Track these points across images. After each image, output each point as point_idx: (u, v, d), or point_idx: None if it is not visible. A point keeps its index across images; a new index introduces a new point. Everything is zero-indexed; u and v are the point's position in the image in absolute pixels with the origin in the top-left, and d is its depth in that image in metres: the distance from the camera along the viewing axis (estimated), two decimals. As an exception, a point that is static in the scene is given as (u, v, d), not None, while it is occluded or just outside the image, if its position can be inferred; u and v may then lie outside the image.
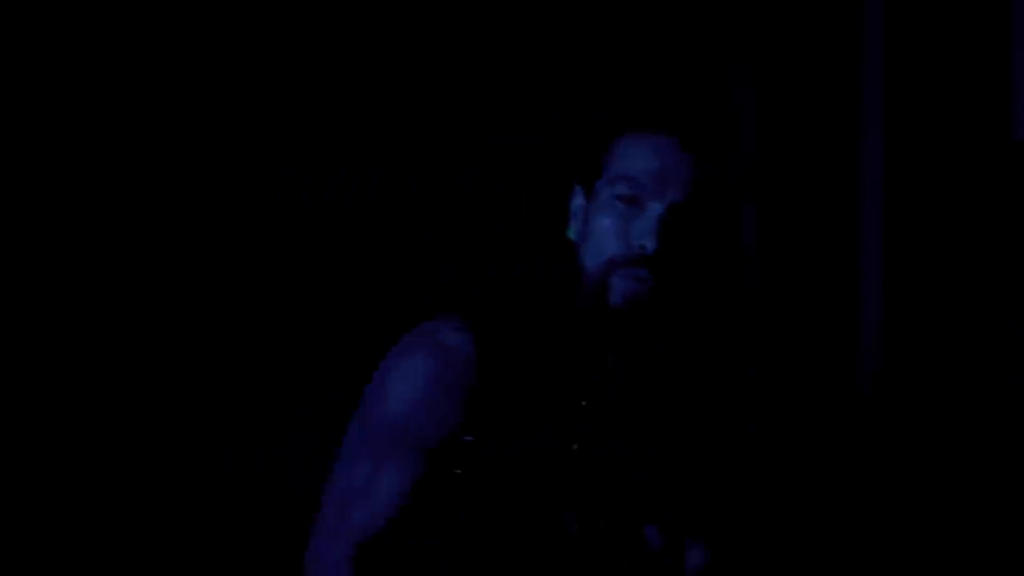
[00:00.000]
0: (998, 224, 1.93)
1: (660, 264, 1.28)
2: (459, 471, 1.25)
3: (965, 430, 1.93)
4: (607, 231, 1.30)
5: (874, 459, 1.95)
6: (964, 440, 1.93)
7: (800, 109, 1.98)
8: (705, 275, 1.36)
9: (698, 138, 1.32)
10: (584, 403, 1.30)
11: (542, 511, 1.26)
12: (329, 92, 1.93)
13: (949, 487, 1.93)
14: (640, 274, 1.28)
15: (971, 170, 1.93)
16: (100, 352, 1.89)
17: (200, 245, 1.93)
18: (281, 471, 1.86)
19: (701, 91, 1.98)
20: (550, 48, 1.98)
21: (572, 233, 1.37)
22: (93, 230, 1.89)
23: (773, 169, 2.02)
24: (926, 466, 1.94)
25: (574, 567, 1.26)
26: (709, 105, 2.00)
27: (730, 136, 1.99)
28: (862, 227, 2.01)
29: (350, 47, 1.92)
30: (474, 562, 1.25)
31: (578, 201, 1.37)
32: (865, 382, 1.98)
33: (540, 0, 1.96)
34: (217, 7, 1.90)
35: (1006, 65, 1.89)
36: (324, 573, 1.25)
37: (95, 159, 1.89)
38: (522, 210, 1.84)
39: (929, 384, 1.95)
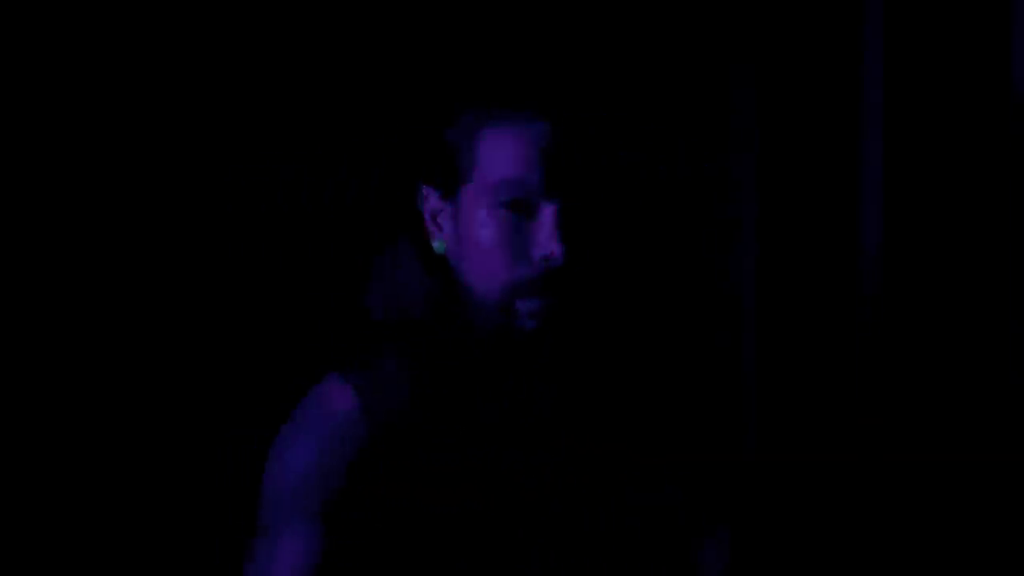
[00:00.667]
0: (998, 223, 1.93)
1: (572, 267, 1.10)
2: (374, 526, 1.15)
3: (965, 429, 1.93)
4: (499, 248, 1.10)
5: (872, 459, 1.95)
6: (963, 440, 1.93)
7: (800, 109, 1.98)
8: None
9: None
10: (504, 426, 1.15)
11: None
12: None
13: (949, 487, 1.93)
14: (547, 291, 1.10)
15: (971, 169, 1.93)
16: (100, 352, 1.89)
17: (200, 245, 1.93)
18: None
19: (701, 91, 1.98)
20: (550, 47, 1.98)
21: (439, 247, 1.17)
22: (93, 230, 1.90)
23: (773, 169, 2.02)
24: (925, 465, 1.94)
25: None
26: (709, 105, 1.99)
27: (730, 136, 1.99)
28: (862, 226, 2.00)
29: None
30: None
31: (433, 205, 1.17)
32: (864, 381, 1.98)
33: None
34: (217, 7, 1.90)
35: (1006, 61, 1.89)
36: None
37: (95, 159, 1.89)
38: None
39: (929, 383, 1.95)
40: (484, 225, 1.10)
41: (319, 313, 1.88)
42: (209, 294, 1.92)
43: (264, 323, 1.92)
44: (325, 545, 1.16)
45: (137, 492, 1.90)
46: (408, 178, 1.20)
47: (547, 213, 1.09)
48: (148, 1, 1.88)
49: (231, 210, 1.92)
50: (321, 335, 1.69)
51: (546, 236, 1.09)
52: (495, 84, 1.14)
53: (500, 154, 1.10)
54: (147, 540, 1.90)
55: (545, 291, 1.10)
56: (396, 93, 1.73)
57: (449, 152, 1.13)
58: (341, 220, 1.89)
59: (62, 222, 1.88)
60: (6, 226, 1.86)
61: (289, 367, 1.87)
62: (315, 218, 1.91)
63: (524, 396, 1.17)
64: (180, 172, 1.92)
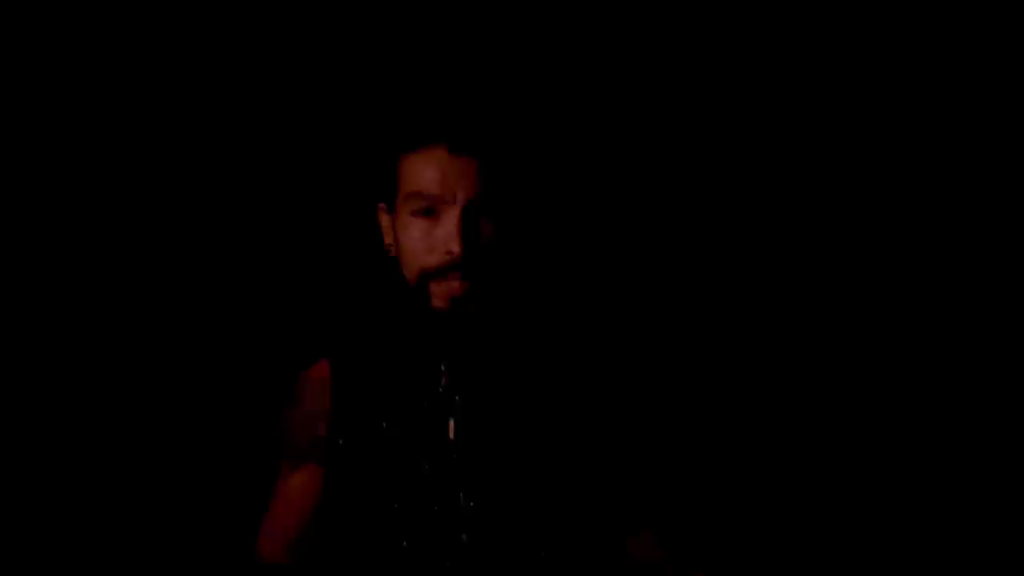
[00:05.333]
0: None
1: (472, 261, 1.41)
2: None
3: (964, 429, 1.93)
4: (415, 243, 1.43)
5: (869, 458, 1.95)
6: (963, 439, 1.93)
7: (795, 111, 1.97)
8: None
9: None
10: (456, 395, 1.47)
11: None
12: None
13: (949, 486, 1.93)
14: (454, 276, 1.42)
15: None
16: (99, 352, 1.91)
17: (199, 245, 1.95)
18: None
19: (696, 90, 1.98)
20: (551, 48, 1.99)
21: (388, 248, 1.51)
22: (93, 230, 1.91)
23: (772, 169, 2.01)
24: (924, 465, 1.93)
25: None
26: (707, 105, 1.99)
27: (725, 137, 1.99)
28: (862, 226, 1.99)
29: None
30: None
31: (385, 217, 1.50)
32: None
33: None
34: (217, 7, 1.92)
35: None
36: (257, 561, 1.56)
37: (95, 159, 1.91)
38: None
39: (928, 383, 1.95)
40: (405, 227, 1.45)
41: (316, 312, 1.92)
42: (208, 294, 1.94)
43: (261, 322, 1.94)
44: (318, 479, 1.52)
45: (136, 491, 1.91)
46: (369, 197, 1.54)
47: (448, 217, 1.41)
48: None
49: (231, 210, 1.95)
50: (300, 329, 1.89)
51: (446, 235, 1.41)
52: (415, 114, 1.50)
53: (412, 172, 1.43)
54: (147, 540, 1.91)
55: (449, 275, 1.42)
56: (355, 126, 1.90)
57: (388, 174, 1.47)
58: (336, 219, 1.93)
59: (62, 222, 1.90)
60: (6, 226, 1.88)
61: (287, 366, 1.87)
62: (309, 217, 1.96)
63: (439, 372, 1.48)
64: (181, 172, 1.93)
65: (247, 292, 1.94)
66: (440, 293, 1.43)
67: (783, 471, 1.94)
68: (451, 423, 1.46)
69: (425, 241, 1.42)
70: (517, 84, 1.88)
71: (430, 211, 1.42)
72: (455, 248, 1.40)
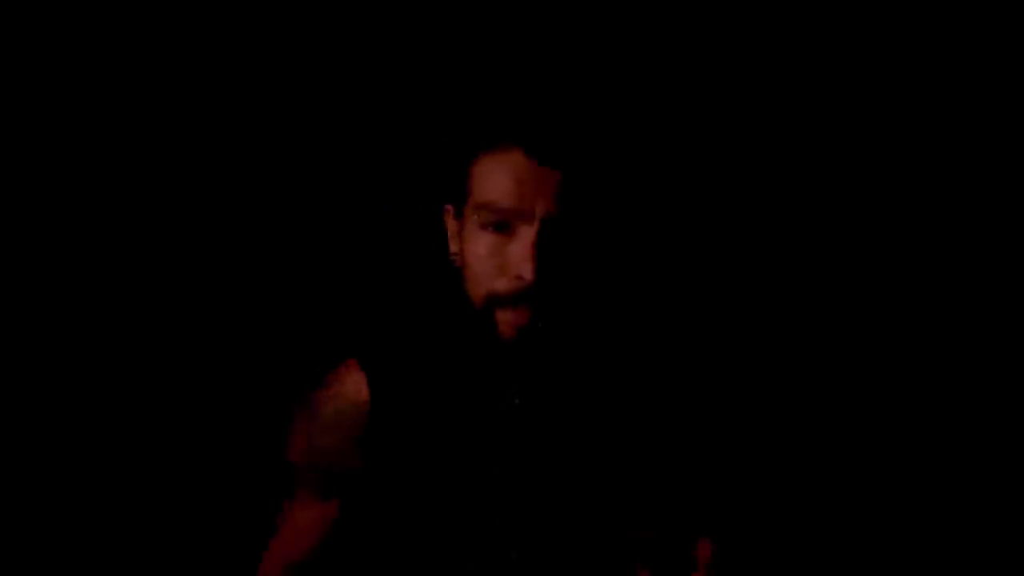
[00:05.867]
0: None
1: (545, 289, 1.23)
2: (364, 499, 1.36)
3: (965, 429, 1.94)
4: (482, 262, 1.26)
5: (869, 457, 1.95)
6: (963, 439, 1.93)
7: (797, 109, 1.97)
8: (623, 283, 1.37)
9: (565, 145, 1.24)
10: (496, 432, 1.32)
11: None
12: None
13: (948, 486, 1.94)
14: (524, 306, 1.24)
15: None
16: (100, 351, 1.90)
17: (199, 245, 1.94)
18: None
19: (700, 91, 1.97)
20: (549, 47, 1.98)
21: (453, 257, 1.34)
22: (93, 230, 1.90)
23: (772, 168, 2.01)
24: (924, 464, 1.94)
25: None
26: (708, 105, 1.99)
27: (728, 137, 1.99)
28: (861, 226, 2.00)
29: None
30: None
31: (452, 222, 1.34)
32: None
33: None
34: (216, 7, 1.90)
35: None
36: None
37: (95, 159, 1.90)
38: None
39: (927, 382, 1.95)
40: (473, 239, 1.27)
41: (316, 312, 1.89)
42: (208, 293, 1.93)
43: (261, 322, 1.92)
44: (335, 512, 1.39)
45: (143, 497, 1.90)
46: (435, 198, 1.39)
47: (523, 235, 1.23)
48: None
49: (231, 210, 1.93)
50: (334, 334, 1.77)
51: (519, 256, 1.23)
52: (495, 113, 1.31)
53: (485, 179, 1.26)
54: (146, 540, 1.90)
55: (520, 304, 1.24)
56: (419, 123, 1.77)
57: (458, 175, 1.30)
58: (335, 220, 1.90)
59: (62, 221, 1.89)
60: (6, 226, 1.87)
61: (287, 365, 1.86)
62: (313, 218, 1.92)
63: (504, 405, 1.32)
64: (180, 171, 1.92)
65: (288, 296, 1.87)
66: (508, 321, 1.25)
67: (815, 476, 1.93)
68: (513, 456, 1.32)
69: (494, 260, 1.25)
70: (612, 90, 1.72)
71: (502, 226, 1.24)
72: (528, 274, 1.22)
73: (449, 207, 1.35)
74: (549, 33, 1.72)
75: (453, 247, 1.34)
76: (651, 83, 1.77)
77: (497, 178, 1.24)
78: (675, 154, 1.80)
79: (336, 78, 1.83)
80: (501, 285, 1.25)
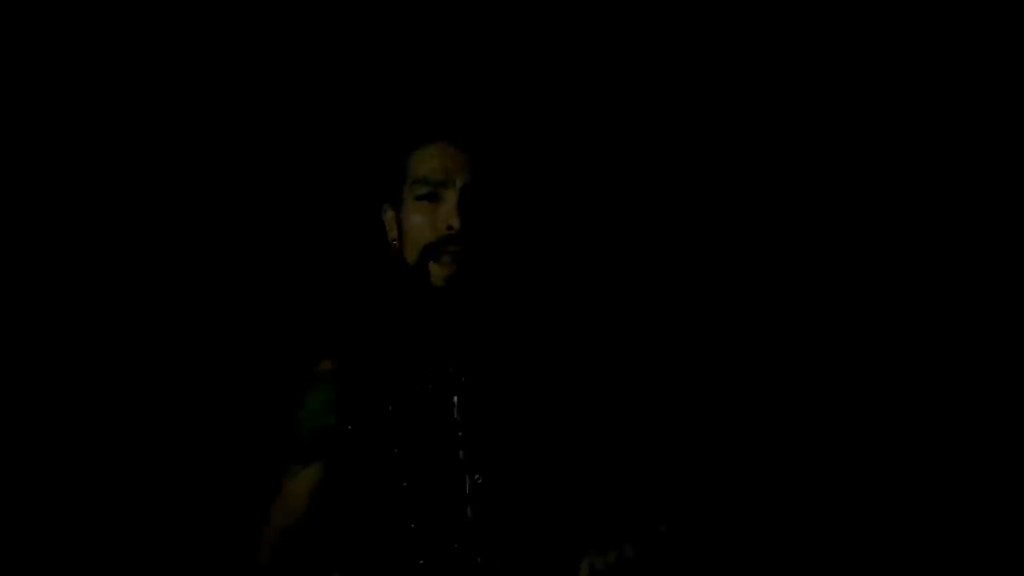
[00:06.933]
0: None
1: (469, 238, 1.59)
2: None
3: (964, 428, 1.94)
4: (418, 226, 1.61)
5: (868, 457, 1.95)
6: (962, 439, 1.94)
7: (791, 111, 1.98)
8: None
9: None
10: (458, 375, 1.60)
11: None
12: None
13: (948, 486, 1.94)
14: (451, 251, 1.58)
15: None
16: (102, 353, 1.90)
17: (199, 245, 1.94)
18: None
19: (699, 91, 1.98)
20: (547, 46, 2.00)
21: (392, 239, 1.66)
22: (93, 230, 1.91)
23: (771, 169, 2.02)
24: (923, 464, 1.94)
25: None
26: (707, 105, 2.00)
27: (728, 136, 1.99)
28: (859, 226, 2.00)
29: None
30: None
31: (389, 214, 1.68)
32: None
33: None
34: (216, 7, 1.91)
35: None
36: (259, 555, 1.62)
37: (95, 159, 1.90)
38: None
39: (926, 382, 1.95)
40: (410, 211, 1.63)
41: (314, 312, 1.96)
42: (207, 293, 1.94)
43: (260, 322, 1.95)
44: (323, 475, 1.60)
45: (137, 491, 1.91)
46: (373, 199, 1.70)
47: (449, 198, 1.60)
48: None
49: (230, 210, 1.96)
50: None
51: (447, 213, 1.59)
52: (428, 117, 1.69)
53: (419, 162, 1.63)
54: (149, 540, 1.91)
55: (449, 253, 1.59)
56: (364, 130, 2.02)
57: (399, 165, 1.65)
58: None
59: (61, 221, 1.89)
60: (6, 226, 1.88)
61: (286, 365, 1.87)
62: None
63: (441, 344, 1.62)
64: (178, 171, 1.93)
65: (252, 294, 1.97)
66: (439, 273, 1.60)
67: (780, 470, 1.94)
68: (455, 400, 1.60)
69: (427, 220, 1.60)
70: (506, 90, 2.06)
71: (433, 195, 1.60)
72: (455, 223, 1.57)
73: (386, 205, 1.68)
74: (460, 41, 2.06)
75: (392, 234, 1.67)
76: (544, 79, 2.08)
77: (429, 160, 1.63)
78: (573, 133, 2.08)
79: (294, 97, 2.02)
80: (434, 235, 1.59)
